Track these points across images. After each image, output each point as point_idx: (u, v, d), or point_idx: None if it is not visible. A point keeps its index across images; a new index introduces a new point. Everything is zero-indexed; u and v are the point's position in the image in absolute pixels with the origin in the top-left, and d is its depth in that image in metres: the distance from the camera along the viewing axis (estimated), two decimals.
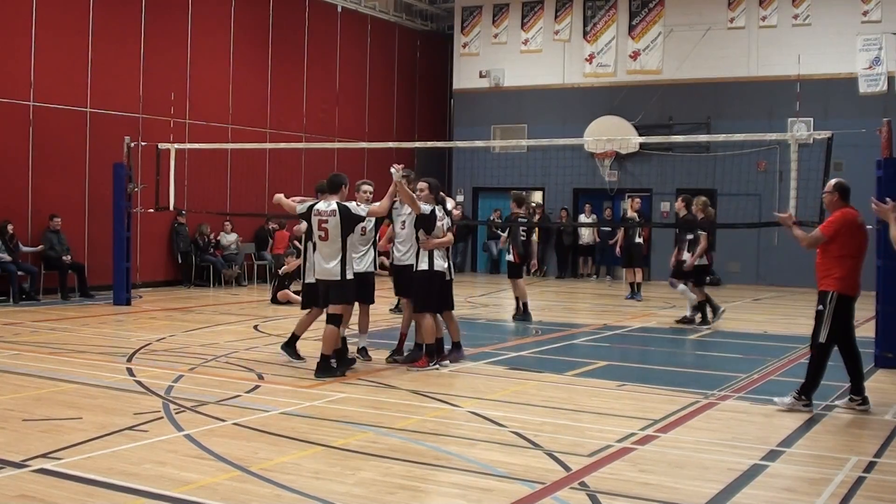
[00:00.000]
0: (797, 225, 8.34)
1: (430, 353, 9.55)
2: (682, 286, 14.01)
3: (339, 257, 8.85)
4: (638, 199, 18.34)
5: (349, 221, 8.92)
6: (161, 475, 5.59)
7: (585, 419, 7.44)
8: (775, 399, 8.00)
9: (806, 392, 7.88)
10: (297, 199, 9.61)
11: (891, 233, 6.61)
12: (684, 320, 13.95)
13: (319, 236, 8.93)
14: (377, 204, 9.30)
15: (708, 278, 14.61)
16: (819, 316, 7.82)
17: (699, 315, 13.87)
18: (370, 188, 9.71)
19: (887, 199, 6.68)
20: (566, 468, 5.94)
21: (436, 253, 9.45)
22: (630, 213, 18.24)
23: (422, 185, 9.57)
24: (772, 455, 6.43)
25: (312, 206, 9.08)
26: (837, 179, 8.25)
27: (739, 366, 10.18)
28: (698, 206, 13.91)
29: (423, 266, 9.45)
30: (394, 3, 25.54)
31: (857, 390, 7.98)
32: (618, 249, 19.06)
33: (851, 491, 5.61)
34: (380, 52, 24.78)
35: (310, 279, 9.65)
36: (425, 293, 9.51)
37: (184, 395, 7.96)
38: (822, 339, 7.80)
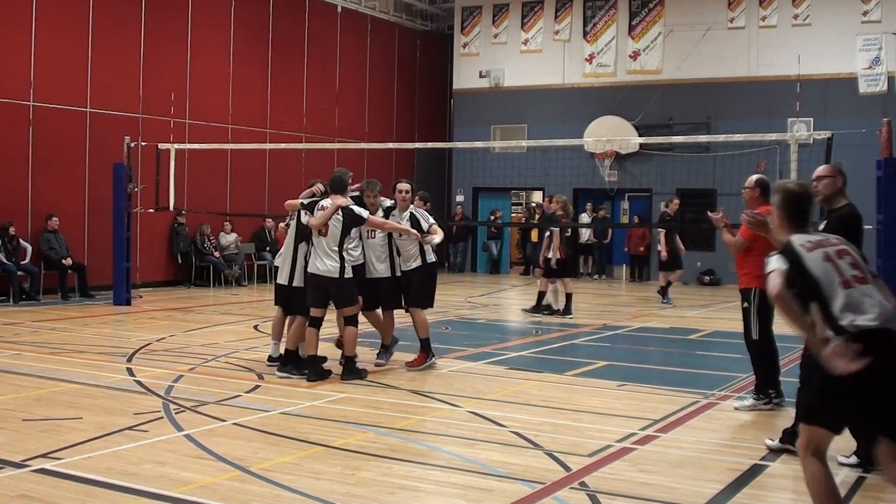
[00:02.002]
0: (728, 228, 7.83)
1: (427, 349, 9.57)
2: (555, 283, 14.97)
3: (338, 255, 8.80)
4: (677, 201, 17.63)
5: (351, 222, 8.89)
6: (161, 475, 5.59)
7: (585, 419, 7.43)
8: (735, 404, 7.95)
9: (774, 385, 7.86)
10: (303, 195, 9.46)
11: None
12: (561, 311, 14.74)
13: (320, 231, 8.88)
14: (380, 220, 9.22)
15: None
16: (746, 313, 7.80)
17: (543, 302, 14.85)
18: (407, 187, 9.59)
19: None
20: (566, 468, 5.94)
21: (428, 248, 9.51)
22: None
23: (404, 185, 9.58)
24: (772, 455, 6.43)
25: (316, 201, 9.01)
26: (760, 175, 8.03)
27: (739, 366, 10.16)
28: (558, 204, 14.75)
29: (419, 262, 9.49)
30: (394, 3, 25.53)
31: (764, 388, 7.91)
32: (664, 253, 17.02)
33: (851, 491, 5.61)
34: (380, 52, 24.77)
35: (282, 279, 9.29)
36: (426, 288, 9.59)
37: (184, 395, 7.96)
38: (755, 335, 7.79)
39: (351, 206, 8.89)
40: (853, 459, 6.08)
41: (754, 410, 7.80)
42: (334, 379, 8.89)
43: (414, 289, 9.52)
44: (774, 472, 6.07)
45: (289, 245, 9.32)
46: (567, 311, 14.70)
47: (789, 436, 6.42)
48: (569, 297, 14.74)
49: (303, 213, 9.00)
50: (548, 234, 14.75)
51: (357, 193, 9.43)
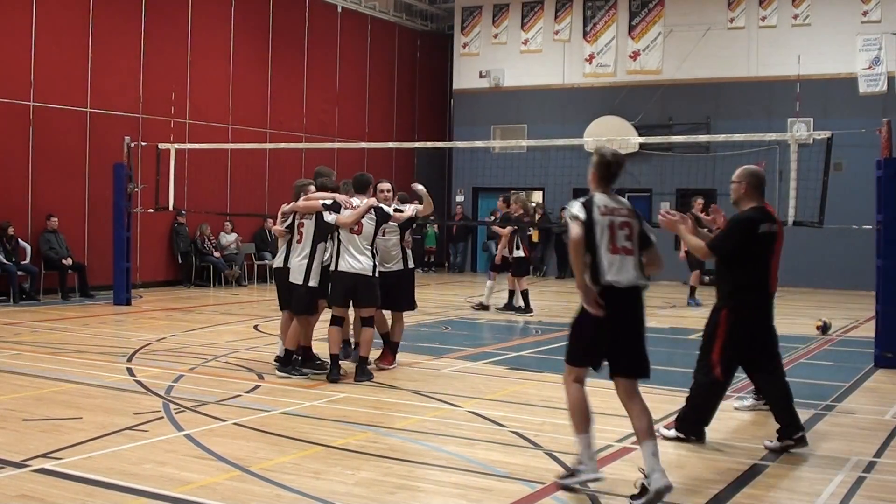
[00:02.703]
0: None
1: (395, 351, 9.71)
2: (490, 281, 15.45)
3: (370, 253, 8.87)
4: (701, 200, 16.86)
5: (382, 219, 8.96)
6: (161, 475, 5.59)
7: None
8: (735, 404, 7.94)
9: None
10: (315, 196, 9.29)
11: (688, 243, 6.51)
12: (480, 306, 15.40)
13: (352, 229, 8.82)
14: (398, 213, 9.28)
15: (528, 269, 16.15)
16: None
17: (521, 303, 15.05)
18: (388, 186, 9.61)
19: (674, 210, 6.44)
20: (566, 468, 5.94)
21: (409, 253, 9.73)
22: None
23: (385, 185, 9.62)
24: (771, 455, 6.43)
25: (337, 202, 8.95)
26: None
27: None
28: (518, 204, 15.12)
29: (400, 266, 9.59)
30: (394, 3, 25.53)
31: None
32: (682, 254, 16.64)
33: (851, 491, 5.61)
34: (380, 52, 24.77)
35: (297, 279, 9.14)
36: (411, 292, 9.75)
37: (184, 395, 7.96)
38: None
39: (381, 205, 9.01)
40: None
41: (754, 410, 7.80)
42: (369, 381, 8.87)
43: (403, 292, 9.61)
44: (774, 472, 6.07)
45: (305, 245, 9.07)
46: (528, 308, 14.99)
47: (785, 429, 6.43)
48: (525, 293, 15.08)
49: (327, 213, 8.85)
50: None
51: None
